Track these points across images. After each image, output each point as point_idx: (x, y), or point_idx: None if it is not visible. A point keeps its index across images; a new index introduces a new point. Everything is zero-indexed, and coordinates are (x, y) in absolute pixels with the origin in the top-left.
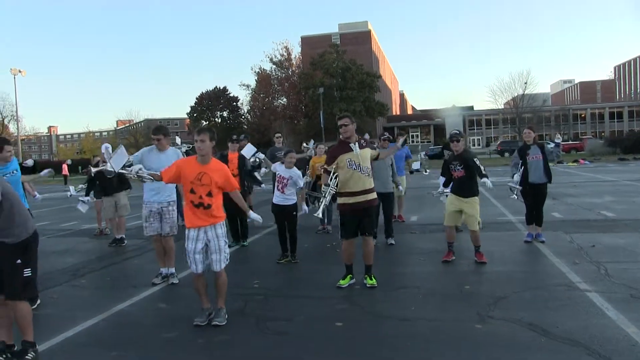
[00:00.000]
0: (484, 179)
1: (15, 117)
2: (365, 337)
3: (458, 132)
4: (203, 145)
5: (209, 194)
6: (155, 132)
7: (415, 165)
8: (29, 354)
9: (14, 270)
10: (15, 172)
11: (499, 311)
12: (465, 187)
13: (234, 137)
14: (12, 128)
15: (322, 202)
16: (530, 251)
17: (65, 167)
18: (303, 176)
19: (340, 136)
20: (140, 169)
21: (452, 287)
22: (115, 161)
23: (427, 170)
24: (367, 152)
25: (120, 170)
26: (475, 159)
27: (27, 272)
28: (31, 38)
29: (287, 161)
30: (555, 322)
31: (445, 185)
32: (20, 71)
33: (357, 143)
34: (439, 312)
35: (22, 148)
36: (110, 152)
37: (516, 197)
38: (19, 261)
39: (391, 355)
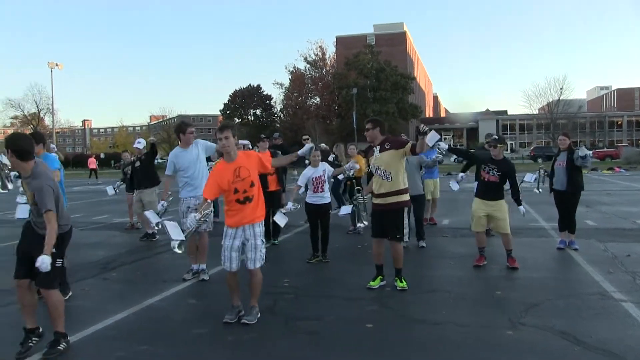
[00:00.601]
0: (520, 207)
1: (51, 110)
2: (395, 339)
3: (497, 137)
4: (227, 142)
5: (252, 185)
6: (175, 130)
7: (454, 186)
8: (61, 345)
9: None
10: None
11: (531, 318)
12: (493, 191)
13: (262, 136)
14: (47, 121)
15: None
16: (562, 258)
17: (92, 161)
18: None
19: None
20: (194, 219)
21: (483, 292)
22: (174, 234)
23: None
24: (388, 155)
25: (186, 235)
26: (516, 176)
27: (59, 262)
28: (68, 32)
29: (313, 160)
30: (589, 331)
31: (464, 169)
32: (57, 65)
33: (379, 146)
34: (470, 317)
35: (56, 141)
36: (140, 148)
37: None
38: (53, 250)
39: (421, 358)
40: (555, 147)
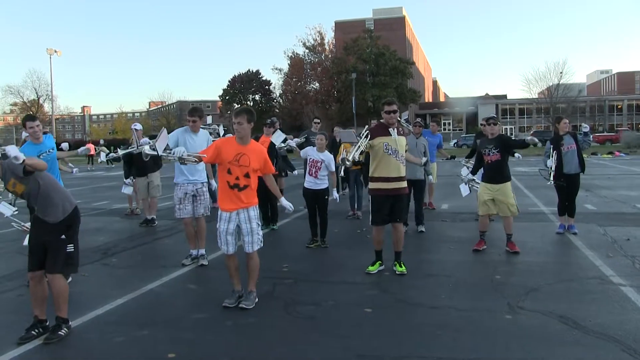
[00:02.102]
0: (530, 138)
1: (50, 97)
2: (395, 324)
3: (495, 116)
4: (240, 128)
5: (246, 175)
6: (191, 113)
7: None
8: (62, 330)
9: (58, 245)
10: (51, 150)
11: (530, 302)
12: (499, 172)
13: (268, 121)
14: (47, 107)
15: (350, 155)
16: (562, 243)
17: (91, 146)
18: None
19: (385, 120)
20: (183, 152)
21: (482, 276)
22: (159, 144)
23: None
24: (403, 141)
25: (162, 154)
26: (512, 141)
27: (70, 248)
28: (67, 19)
29: (318, 144)
30: (588, 315)
31: (474, 172)
32: (55, 51)
33: (396, 129)
34: (469, 301)
35: (56, 127)
36: (138, 129)
37: (550, 182)
38: (63, 237)
39: (420, 342)
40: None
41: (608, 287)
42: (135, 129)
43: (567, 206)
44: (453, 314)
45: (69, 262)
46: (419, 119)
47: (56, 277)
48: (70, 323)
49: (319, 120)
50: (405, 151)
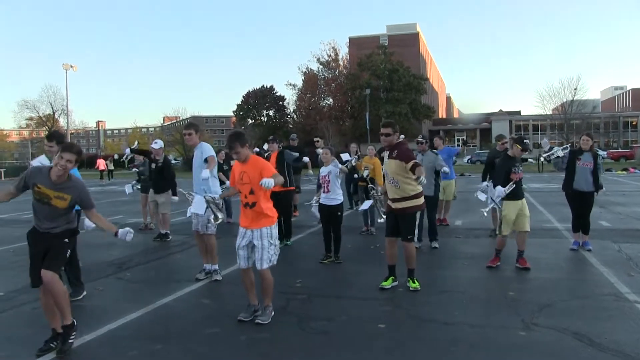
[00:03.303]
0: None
1: (66, 111)
2: (408, 340)
3: (527, 141)
4: (237, 156)
5: (251, 192)
6: (186, 127)
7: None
8: (71, 337)
9: (61, 246)
10: None
11: (544, 319)
12: (521, 188)
13: (271, 138)
14: (62, 122)
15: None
16: (576, 259)
17: (101, 162)
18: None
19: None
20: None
21: (496, 292)
22: (197, 207)
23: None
24: (395, 164)
25: (208, 210)
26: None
27: (67, 253)
28: (83, 34)
29: (323, 158)
30: (603, 332)
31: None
32: (71, 66)
33: (389, 152)
34: (483, 317)
35: (71, 141)
36: (157, 147)
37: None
38: (66, 240)
39: (434, 359)
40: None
41: (624, 304)
42: (154, 148)
43: (580, 223)
44: (467, 330)
45: (63, 262)
46: (421, 136)
47: (54, 279)
48: (75, 324)
49: (319, 139)
50: (414, 170)
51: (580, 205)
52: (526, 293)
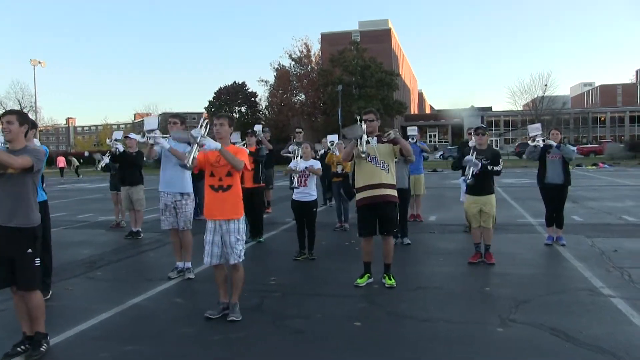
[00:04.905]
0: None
1: (34, 108)
2: (385, 337)
3: (484, 126)
4: (221, 129)
5: (229, 174)
6: (172, 116)
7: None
8: (43, 346)
9: (26, 261)
10: None
11: (521, 315)
12: (485, 183)
13: (249, 131)
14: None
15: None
16: (551, 254)
17: (61, 159)
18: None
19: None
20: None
21: (472, 288)
22: (149, 123)
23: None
24: (385, 147)
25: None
26: (500, 160)
27: (38, 262)
28: (50, 28)
29: (304, 152)
30: (580, 327)
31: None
32: (40, 62)
33: (375, 138)
34: (460, 313)
35: (40, 139)
36: (118, 138)
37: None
38: (29, 251)
39: (411, 356)
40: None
41: (598, 298)
42: (131, 137)
43: (554, 217)
44: (444, 326)
45: (37, 276)
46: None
47: (31, 294)
48: (49, 338)
49: (301, 130)
50: (395, 153)
51: (554, 199)
52: (502, 289)
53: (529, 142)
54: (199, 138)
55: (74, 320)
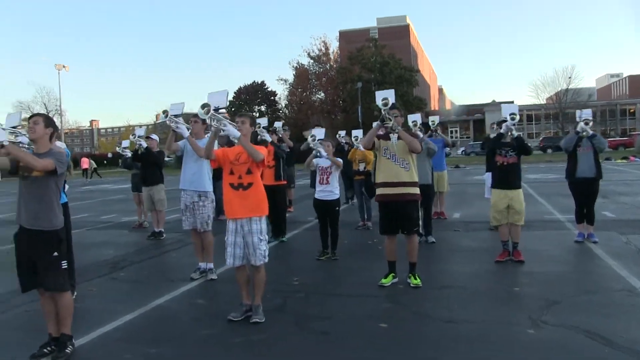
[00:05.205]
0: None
1: (59, 112)
2: (410, 338)
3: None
4: (243, 127)
5: (249, 171)
6: (194, 115)
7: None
8: (68, 347)
9: (52, 264)
10: None
11: (553, 316)
12: (513, 176)
13: (270, 128)
14: (56, 122)
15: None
16: (582, 252)
17: (85, 160)
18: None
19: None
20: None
21: (499, 288)
22: (174, 108)
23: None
24: (404, 145)
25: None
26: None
27: (64, 264)
28: (75, 32)
29: (326, 150)
30: (618, 330)
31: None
32: (64, 66)
33: (396, 135)
34: (487, 314)
35: (65, 141)
36: (154, 138)
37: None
38: (55, 254)
39: (437, 358)
40: (565, 136)
41: (638, 299)
42: (152, 138)
43: (585, 213)
44: (471, 327)
45: (66, 277)
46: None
47: (61, 294)
48: (74, 340)
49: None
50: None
51: (585, 194)
52: (532, 288)
53: (577, 128)
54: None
55: (98, 321)
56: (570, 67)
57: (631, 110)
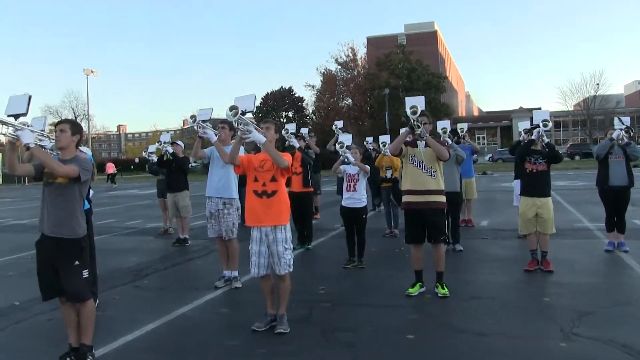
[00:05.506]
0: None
1: (87, 116)
2: (439, 351)
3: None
4: (268, 133)
5: (273, 179)
6: (222, 121)
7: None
8: (88, 358)
9: (74, 273)
10: None
11: (585, 328)
12: (542, 183)
13: (298, 133)
14: (84, 127)
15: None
16: (613, 261)
17: (110, 165)
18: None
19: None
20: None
21: (529, 298)
22: (202, 113)
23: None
24: (432, 153)
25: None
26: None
27: (86, 273)
28: (103, 37)
29: (354, 156)
30: None
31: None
32: (92, 71)
33: (424, 142)
34: (518, 326)
35: (92, 146)
36: (166, 140)
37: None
38: (77, 263)
39: None
40: (593, 144)
41: None
42: (178, 144)
43: (615, 222)
44: (502, 341)
45: (87, 286)
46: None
47: (84, 304)
48: (94, 351)
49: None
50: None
51: (616, 202)
52: (562, 299)
53: (613, 135)
54: (248, 125)
55: (120, 330)
56: (598, 73)
57: None
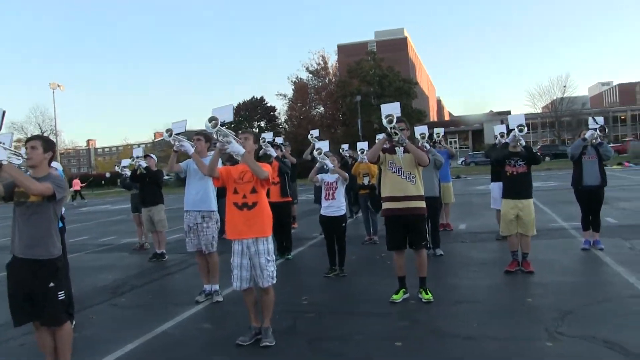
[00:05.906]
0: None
1: (54, 132)
2: (429, 358)
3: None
4: (246, 143)
5: (253, 190)
6: (197, 133)
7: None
8: None
9: (49, 295)
10: None
11: (569, 327)
12: (524, 186)
13: (275, 142)
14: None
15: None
16: (590, 259)
17: (76, 182)
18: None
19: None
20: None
21: (513, 300)
22: (177, 126)
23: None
24: (411, 158)
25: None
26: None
27: (61, 295)
28: (68, 52)
29: (332, 163)
30: (637, 340)
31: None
32: (59, 86)
33: (402, 148)
34: (504, 328)
35: (61, 162)
36: (139, 155)
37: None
38: (51, 285)
39: None
40: (562, 144)
41: None
42: (152, 157)
43: (590, 220)
44: (491, 344)
45: (63, 309)
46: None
47: (61, 328)
48: None
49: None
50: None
51: (590, 202)
52: (545, 299)
53: (586, 135)
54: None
55: (99, 351)
56: (564, 76)
57: (622, 118)
